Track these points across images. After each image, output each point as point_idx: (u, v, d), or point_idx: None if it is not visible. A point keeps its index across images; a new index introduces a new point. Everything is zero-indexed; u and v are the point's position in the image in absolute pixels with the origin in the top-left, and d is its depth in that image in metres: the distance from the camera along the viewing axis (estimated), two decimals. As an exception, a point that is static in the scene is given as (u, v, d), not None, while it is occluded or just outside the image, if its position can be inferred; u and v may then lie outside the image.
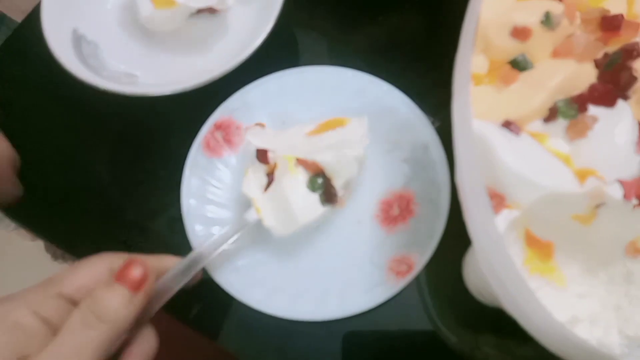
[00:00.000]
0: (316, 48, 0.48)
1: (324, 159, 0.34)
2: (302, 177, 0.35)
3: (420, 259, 0.36)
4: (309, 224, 0.35)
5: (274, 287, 0.37)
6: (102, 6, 0.47)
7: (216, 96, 0.43)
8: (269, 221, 0.35)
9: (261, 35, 0.41)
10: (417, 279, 0.36)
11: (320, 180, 0.35)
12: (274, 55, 0.43)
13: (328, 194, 0.35)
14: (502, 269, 0.26)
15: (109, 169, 0.44)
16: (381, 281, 0.36)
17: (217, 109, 0.42)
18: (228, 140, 0.42)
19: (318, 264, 0.38)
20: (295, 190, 0.34)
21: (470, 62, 0.31)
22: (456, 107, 0.30)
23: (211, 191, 0.40)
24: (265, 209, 0.35)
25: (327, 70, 0.43)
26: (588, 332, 0.31)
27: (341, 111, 0.41)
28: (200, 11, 0.45)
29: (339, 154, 0.34)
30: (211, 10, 0.45)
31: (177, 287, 0.34)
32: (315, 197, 0.35)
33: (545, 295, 0.32)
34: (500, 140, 0.30)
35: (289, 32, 0.48)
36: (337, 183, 0.35)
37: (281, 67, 0.44)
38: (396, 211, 0.39)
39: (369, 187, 0.40)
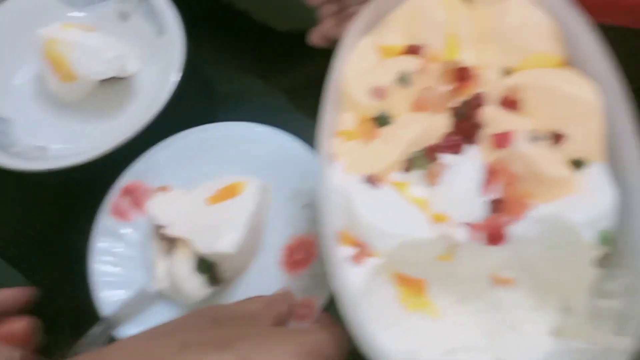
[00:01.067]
0: (224, 104, 0.51)
1: (201, 249, 0.36)
2: (191, 258, 0.37)
3: (319, 302, 0.39)
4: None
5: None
6: (9, 83, 0.49)
7: (125, 159, 0.46)
8: (169, 292, 0.38)
9: (161, 98, 0.45)
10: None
11: (207, 264, 0.37)
12: (183, 113, 0.46)
13: (214, 277, 0.37)
14: (353, 320, 0.29)
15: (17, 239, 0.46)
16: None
17: (124, 173, 0.45)
18: (137, 204, 0.45)
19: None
20: (183, 271, 0.37)
21: (331, 120, 0.35)
22: (320, 162, 0.33)
23: (120, 255, 0.43)
24: (164, 281, 0.38)
25: (231, 126, 0.47)
26: (465, 359, 0.34)
27: (246, 164, 0.45)
28: (107, 79, 0.49)
29: (212, 248, 0.36)
30: (118, 78, 0.49)
31: None
32: (202, 279, 0.37)
33: (423, 328, 0.35)
34: (359, 193, 0.33)
35: (196, 90, 0.52)
36: (224, 267, 0.37)
37: (189, 125, 0.47)
38: (299, 256, 0.42)
39: (274, 235, 0.43)
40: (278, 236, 0.43)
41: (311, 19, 0.44)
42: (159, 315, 0.40)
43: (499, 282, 0.34)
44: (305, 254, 0.42)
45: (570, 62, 0.35)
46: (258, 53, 0.52)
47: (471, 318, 0.35)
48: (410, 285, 0.35)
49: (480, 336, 0.35)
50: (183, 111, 0.48)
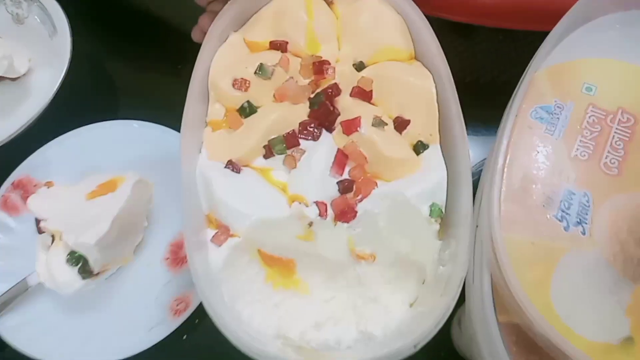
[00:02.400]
0: (118, 102, 0.52)
1: (69, 241, 0.37)
2: (64, 251, 0.38)
3: (196, 297, 0.40)
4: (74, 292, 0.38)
5: (62, 337, 0.40)
6: None
7: (19, 156, 0.46)
8: (49, 284, 0.38)
9: (49, 95, 0.45)
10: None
11: (77, 257, 0.38)
12: (76, 111, 0.47)
13: (85, 269, 0.38)
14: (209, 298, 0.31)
15: None
16: (162, 320, 0.40)
17: (15, 169, 0.46)
18: (26, 198, 0.45)
19: (106, 310, 0.41)
20: (57, 264, 0.37)
21: (193, 110, 0.37)
22: (180, 150, 0.35)
23: (6, 247, 0.43)
24: (44, 273, 0.38)
25: (123, 124, 0.48)
26: (331, 332, 0.36)
27: (136, 161, 0.46)
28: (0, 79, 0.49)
29: (77, 240, 0.37)
30: (10, 78, 0.49)
31: None
32: (74, 271, 0.38)
33: (293, 304, 0.37)
34: (219, 178, 0.35)
35: (92, 88, 0.53)
36: (91, 259, 0.38)
37: (84, 122, 0.48)
38: (184, 252, 0.43)
39: (160, 231, 0.44)
40: (164, 233, 0.44)
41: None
42: (40, 307, 0.41)
43: (360, 258, 0.36)
44: (189, 251, 0.43)
45: (417, 56, 0.38)
46: (151, 54, 0.54)
47: (338, 293, 0.37)
48: (280, 265, 0.37)
49: (346, 309, 0.37)
50: (77, 110, 0.49)
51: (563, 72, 0.32)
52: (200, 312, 0.41)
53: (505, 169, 0.30)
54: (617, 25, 0.34)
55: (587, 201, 0.30)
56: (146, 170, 0.44)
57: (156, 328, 0.40)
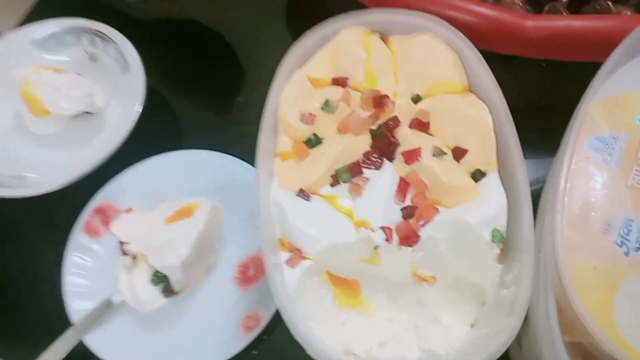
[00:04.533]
0: (186, 133, 0.55)
1: (154, 262, 0.40)
2: (147, 271, 0.40)
3: (266, 314, 0.42)
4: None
5: (144, 352, 0.42)
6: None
7: (97, 183, 0.49)
8: (132, 302, 0.41)
9: (125, 128, 0.48)
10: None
11: (160, 276, 0.40)
12: (149, 141, 0.50)
13: (167, 288, 0.40)
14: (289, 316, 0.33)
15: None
16: (234, 336, 0.42)
17: (95, 195, 0.49)
18: (107, 222, 0.48)
19: (181, 327, 0.43)
20: (141, 283, 0.40)
21: (266, 142, 0.39)
22: (256, 180, 0.37)
23: (90, 268, 0.46)
24: (126, 292, 0.41)
25: (192, 154, 0.50)
26: (395, 350, 0.38)
27: (205, 188, 0.48)
28: (79, 114, 0.52)
29: (163, 262, 0.39)
30: (89, 112, 0.53)
31: (59, 358, 0.39)
32: (157, 290, 0.40)
33: (359, 323, 0.38)
34: (292, 205, 0.37)
35: (160, 120, 0.56)
36: (174, 279, 0.40)
37: (155, 151, 0.51)
38: (252, 272, 0.45)
39: (228, 253, 0.46)
40: (233, 254, 0.46)
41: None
42: (122, 323, 0.44)
43: (422, 280, 0.38)
44: (257, 270, 0.45)
45: (471, 88, 0.40)
46: (213, 87, 0.57)
47: (400, 314, 0.39)
48: (345, 285, 0.39)
49: (408, 330, 0.38)
50: (148, 139, 0.51)
51: (617, 104, 0.33)
52: (268, 329, 0.43)
53: (566, 198, 0.31)
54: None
55: None
56: (213, 196, 0.46)
57: (228, 344, 0.42)
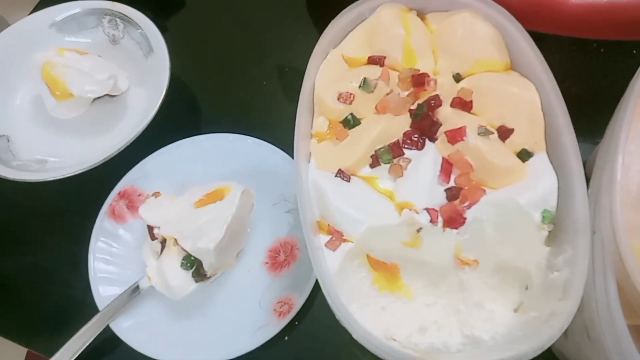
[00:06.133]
0: (209, 117, 0.53)
1: (185, 246, 0.38)
2: (178, 255, 0.38)
3: (299, 300, 0.41)
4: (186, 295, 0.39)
5: (173, 339, 0.41)
6: (12, 102, 0.51)
7: (121, 168, 0.48)
8: (160, 287, 0.39)
9: (151, 113, 0.47)
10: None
11: (192, 260, 0.38)
12: (172, 126, 0.48)
13: (198, 273, 0.39)
14: (333, 299, 0.31)
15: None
16: (266, 322, 0.40)
17: (120, 180, 0.47)
18: (132, 207, 0.46)
19: (212, 313, 0.42)
20: (171, 268, 0.38)
21: (304, 123, 0.37)
22: (295, 161, 0.36)
23: (116, 254, 0.44)
24: (155, 277, 0.39)
25: (218, 137, 0.49)
26: (436, 336, 0.36)
27: (232, 172, 0.47)
28: (100, 97, 0.51)
29: (196, 245, 0.38)
30: (110, 95, 0.51)
31: (85, 344, 0.38)
32: (188, 275, 0.38)
33: (398, 308, 0.37)
34: (331, 186, 0.35)
35: (184, 104, 0.54)
36: (207, 263, 0.39)
37: (179, 136, 0.49)
38: (282, 257, 0.44)
39: (258, 238, 0.44)
40: (262, 239, 0.45)
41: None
42: (150, 310, 0.42)
43: (464, 264, 0.36)
44: (287, 255, 0.43)
45: (513, 66, 0.38)
46: (238, 70, 0.55)
47: (440, 299, 0.37)
48: (385, 269, 0.37)
49: (449, 315, 0.37)
50: (172, 123, 0.50)
51: None
52: (300, 314, 0.41)
53: (623, 178, 0.29)
54: None
55: None
56: (240, 180, 0.45)
57: (261, 330, 0.40)
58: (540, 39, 0.40)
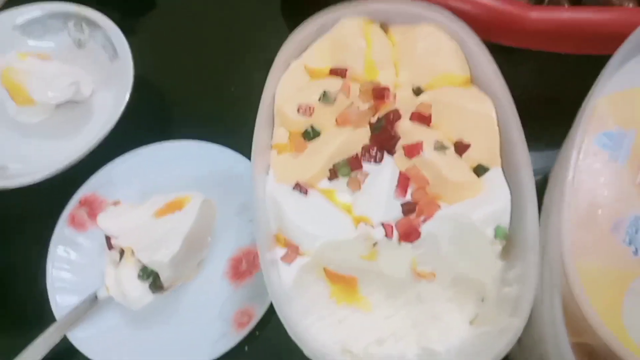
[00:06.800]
0: (176, 123, 0.53)
1: (142, 258, 0.38)
2: (135, 266, 0.38)
3: (259, 310, 0.40)
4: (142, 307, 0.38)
5: (132, 349, 0.40)
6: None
7: (84, 174, 0.47)
8: (118, 298, 0.39)
9: (114, 117, 0.46)
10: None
11: (149, 272, 0.38)
12: (137, 131, 0.48)
13: (156, 284, 0.38)
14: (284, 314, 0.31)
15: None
16: (226, 332, 0.40)
17: (81, 186, 0.46)
18: (92, 215, 0.45)
19: (172, 323, 0.41)
20: (129, 278, 0.38)
21: (263, 134, 0.37)
22: (252, 174, 0.35)
23: (75, 262, 0.44)
24: (113, 287, 0.39)
25: (183, 144, 0.48)
26: (393, 348, 0.36)
27: (197, 180, 0.46)
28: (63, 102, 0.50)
29: (152, 258, 0.37)
30: (74, 100, 0.50)
31: (41, 355, 0.37)
32: (145, 286, 0.38)
33: (356, 320, 0.37)
34: (288, 200, 0.35)
35: (151, 110, 0.53)
36: (163, 275, 0.38)
37: (144, 142, 0.48)
38: (244, 266, 0.43)
39: (220, 247, 0.44)
40: (225, 248, 0.44)
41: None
42: (109, 319, 0.41)
43: (421, 277, 0.36)
44: (249, 265, 0.43)
45: (473, 80, 0.38)
46: (205, 76, 0.54)
47: (399, 311, 0.37)
48: (343, 282, 0.37)
49: (407, 327, 0.37)
50: (137, 129, 0.49)
51: (624, 100, 0.32)
52: (260, 325, 0.41)
53: (572, 196, 0.30)
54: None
55: None
56: (204, 188, 0.44)
57: (220, 340, 0.40)
58: (510, 51, 0.41)
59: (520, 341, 0.35)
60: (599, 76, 0.32)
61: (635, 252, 0.29)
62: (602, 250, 0.29)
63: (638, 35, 0.33)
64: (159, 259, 0.37)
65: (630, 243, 0.29)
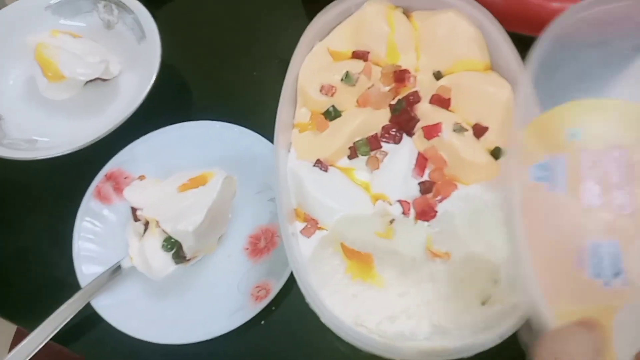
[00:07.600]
0: (198, 104, 0.54)
1: (166, 228, 0.39)
2: (159, 237, 0.39)
3: (276, 285, 0.41)
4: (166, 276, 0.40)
5: (151, 318, 0.41)
6: (5, 82, 0.52)
7: (110, 151, 0.48)
8: (141, 268, 0.40)
9: (140, 97, 0.47)
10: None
11: (172, 242, 0.39)
12: (161, 111, 0.49)
13: (178, 255, 0.39)
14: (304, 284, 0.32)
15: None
16: (244, 305, 0.41)
17: (108, 162, 0.48)
18: (118, 189, 0.47)
19: (191, 295, 0.42)
20: (152, 249, 0.39)
21: (286, 113, 0.38)
22: (275, 150, 0.36)
23: (100, 234, 0.45)
24: (137, 258, 0.40)
25: (205, 125, 0.49)
26: (405, 324, 0.37)
27: (218, 159, 0.47)
28: (92, 80, 0.51)
29: (176, 228, 0.38)
30: (102, 79, 0.51)
31: (66, 320, 0.39)
32: (168, 257, 0.39)
33: (370, 296, 0.38)
34: (309, 175, 0.36)
35: (174, 91, 0.55)
36: (186, 246, 0.39)
37: (167, 122, 0.50)
38: (262, 244, 0.44)
39: (240, 224, 0.45)
40: (244, 225, 0.45)
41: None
42: (131, 289, 0.43)
43: (435, 256, 0.37)
44: (268, 242, 0.44)
45: (493, 66, 0.39)
46: (228, 59, 0.56)
47: (411, 289, 0.38)
48: (358, 258, 0.38)
49: (419, 305, 0.38)
50: (161, 109, 0.50)
51: (543, 125, 0.30)
52: (277, 299, 0.42)
53: (529, 242, 0.27)
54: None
55: (615, 249, 0.26)
56: (225, 168, 0.45)
57: (238, 313, 0.41)
58: (529, 41, 0.41)
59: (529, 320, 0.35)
60: (514, 108, 0.31)
61: (607, 283, 0.25)
62: (575, 290, 0.26)
63: (540, 56, 0.31)
64: (183, 228, 0.38)
65: (598, 275, 0.26)
